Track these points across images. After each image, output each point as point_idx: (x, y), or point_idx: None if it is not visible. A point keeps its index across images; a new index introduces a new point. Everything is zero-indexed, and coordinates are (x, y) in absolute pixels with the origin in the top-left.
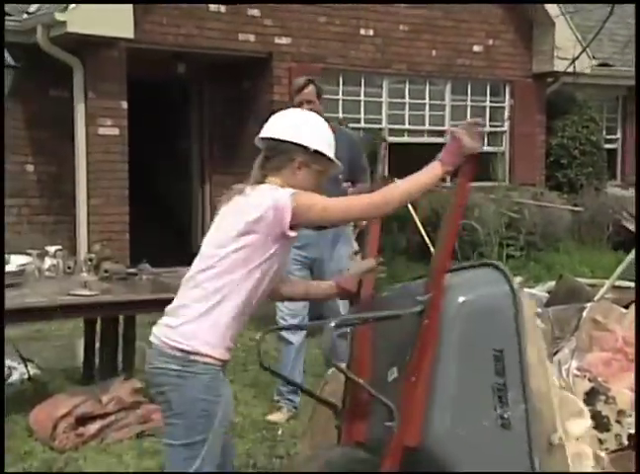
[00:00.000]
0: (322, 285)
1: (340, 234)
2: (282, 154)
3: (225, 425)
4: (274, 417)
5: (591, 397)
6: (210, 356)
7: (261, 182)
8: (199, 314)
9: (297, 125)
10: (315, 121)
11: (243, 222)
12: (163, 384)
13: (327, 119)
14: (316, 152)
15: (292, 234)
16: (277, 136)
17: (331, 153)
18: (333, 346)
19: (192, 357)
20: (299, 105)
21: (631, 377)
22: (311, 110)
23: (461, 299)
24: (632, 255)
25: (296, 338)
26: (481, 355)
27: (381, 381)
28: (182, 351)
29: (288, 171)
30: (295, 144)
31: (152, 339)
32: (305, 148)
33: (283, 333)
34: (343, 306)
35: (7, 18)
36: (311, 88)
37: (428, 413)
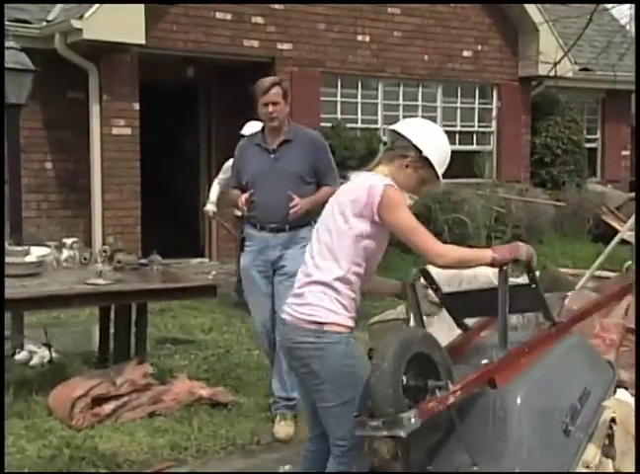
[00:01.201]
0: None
1: (299, 236)
2: (401, 149)
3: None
4: (281, 431)
5: None
6: (340, 325)
7: (373, 167)
8: (322, 289)
9: (426, 133)
10: (444, 141)
11: (344, 204)
12: (304, 357)
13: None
14: (427, 161)
15: (380, 220)
16: (403, 133)
17: (439, 168)
18: None
19: (325, 328)
20: (264, 106)
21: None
22: (277, 111)
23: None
24: (610, 247)
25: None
26: (577, 381)
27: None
28: (315, 323)
29: (397, 164)
30: (414, 146)
31: (284, 316)
32: (420, 152)
33: (266, 347)
34: None
35: (28, 26)
36: (276, 89)
37: (524, 375)
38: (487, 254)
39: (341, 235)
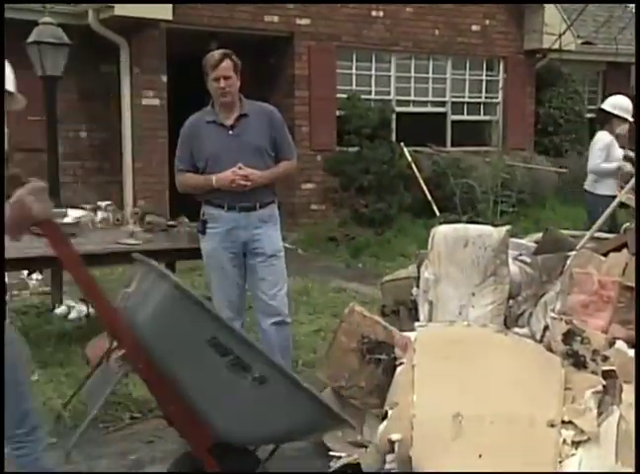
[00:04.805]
0: None
1: (268, 214)
2: None
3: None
4: None
5: (568, 338)
6: None
7: None
8: None
9: None
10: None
11: None
12: None
13: (247, 97)
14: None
15: None
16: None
17: (10, 86)
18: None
19: None
20: (216, 80)
21: (606, 316)
22: (229, 85)
23: (143, 326)
24: (609, 210)
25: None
26: (198, 355)
27: None
28: None
29: None
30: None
31: None
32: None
33: None
34: (270, 298)
35: (63, 3)
36: (227, 62)
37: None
38: None
39: None
